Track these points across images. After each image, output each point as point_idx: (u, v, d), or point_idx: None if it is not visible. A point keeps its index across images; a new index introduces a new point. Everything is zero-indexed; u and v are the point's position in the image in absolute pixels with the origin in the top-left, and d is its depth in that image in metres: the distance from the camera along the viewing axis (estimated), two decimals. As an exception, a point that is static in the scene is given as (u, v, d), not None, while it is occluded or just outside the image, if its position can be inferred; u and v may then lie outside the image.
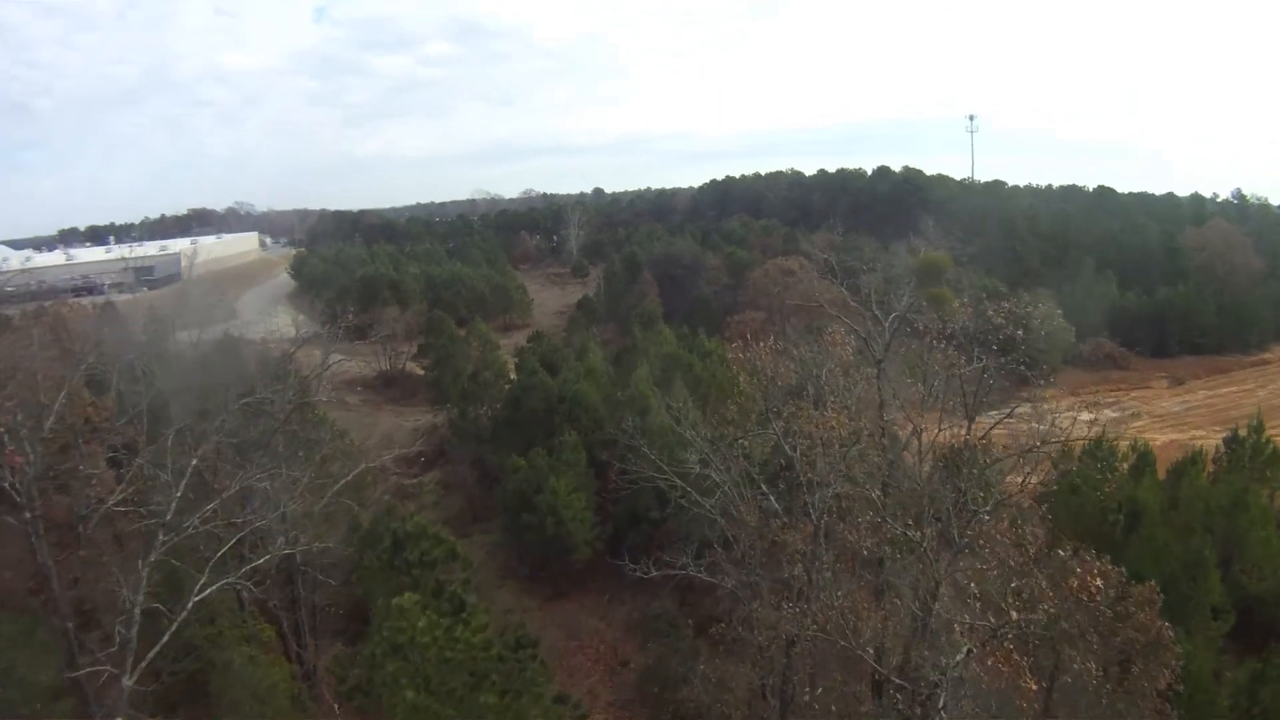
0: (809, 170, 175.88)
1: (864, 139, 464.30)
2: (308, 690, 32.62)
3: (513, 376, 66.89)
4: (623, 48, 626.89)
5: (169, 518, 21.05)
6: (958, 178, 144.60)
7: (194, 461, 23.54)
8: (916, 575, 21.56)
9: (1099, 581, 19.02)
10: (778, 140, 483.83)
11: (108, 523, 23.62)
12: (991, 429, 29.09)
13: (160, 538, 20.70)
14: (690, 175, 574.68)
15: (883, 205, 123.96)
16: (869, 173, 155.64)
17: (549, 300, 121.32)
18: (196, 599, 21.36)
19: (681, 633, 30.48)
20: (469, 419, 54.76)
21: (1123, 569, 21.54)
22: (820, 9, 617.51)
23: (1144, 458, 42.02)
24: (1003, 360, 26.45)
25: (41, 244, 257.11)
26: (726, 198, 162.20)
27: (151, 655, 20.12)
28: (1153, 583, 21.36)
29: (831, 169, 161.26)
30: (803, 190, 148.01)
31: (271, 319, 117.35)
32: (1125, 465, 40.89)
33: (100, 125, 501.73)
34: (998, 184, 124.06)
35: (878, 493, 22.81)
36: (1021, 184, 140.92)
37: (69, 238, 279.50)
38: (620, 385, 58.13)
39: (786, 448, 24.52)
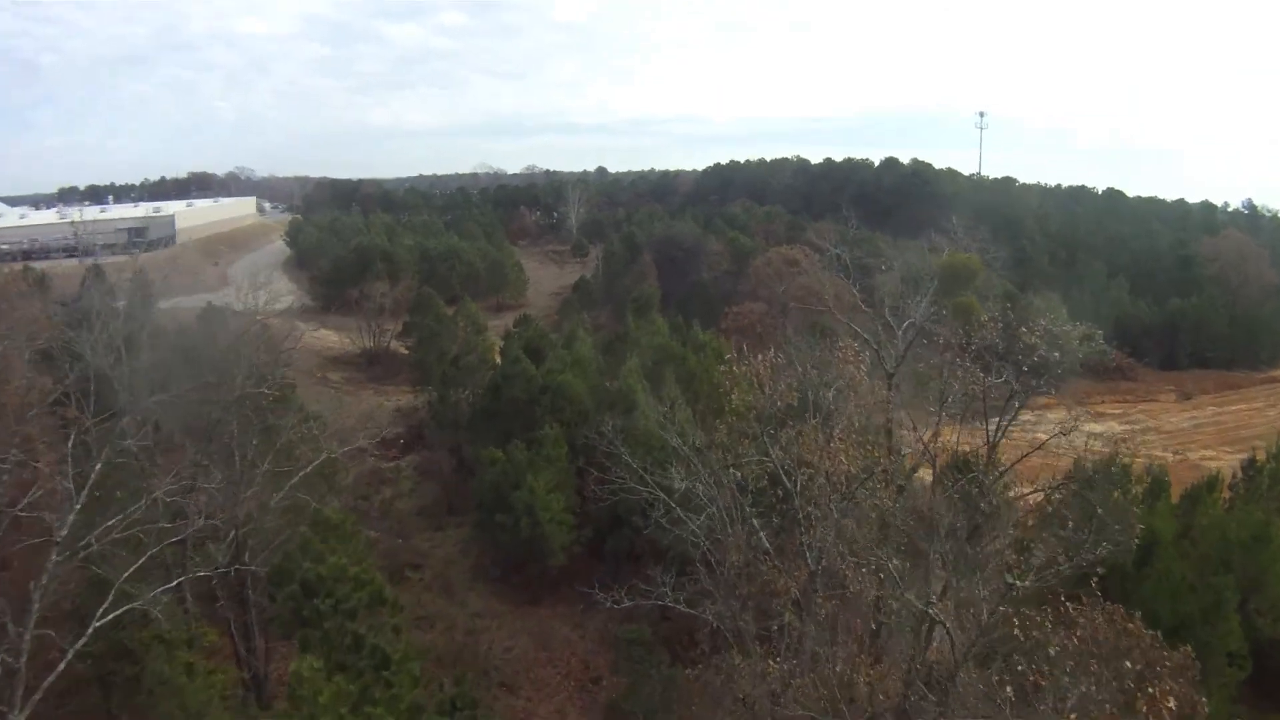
0: (815, 159, 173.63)
1: (870, 130, 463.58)
2: (256, 699, 30.28)
3: (498, 361, 64.80)
4: (636, 25, 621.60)
5: (64, 533, 18.45)
6: (965, 173, 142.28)
7: (98, 467, 20.83)
8: (917, 614, 19.24)
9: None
10: (784, 128, 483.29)
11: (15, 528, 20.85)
12: (997, 439, 26.49)
13: (54, 557, 18.17)
14: (695, 159, 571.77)
15: (889, 197, 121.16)
16: (876, 164, 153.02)
17: (546, 279, 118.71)
18: (111, 615, 18.89)
19: (657, 659, 28.10)
20: (449, 404, 52.34)
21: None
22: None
23: (1159, 483, 39.59)
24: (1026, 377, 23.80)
25: (40, 202, 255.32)
26: (730, 182, 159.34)
27: (48, 683, 17.70)
28: (1188, 649, 18.95)
29: (838, 158, 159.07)
30: (808, 178, 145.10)
31: (265, 287, 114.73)
32: (1139, 488, 38.46)
33: (108, 85, 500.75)
34: (1007, 181, 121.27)
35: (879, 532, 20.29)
36: (1029, 182, 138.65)
37: (68, 196, 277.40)
38: (609, 376, 55.86)
39: (785, 479, 21.91)
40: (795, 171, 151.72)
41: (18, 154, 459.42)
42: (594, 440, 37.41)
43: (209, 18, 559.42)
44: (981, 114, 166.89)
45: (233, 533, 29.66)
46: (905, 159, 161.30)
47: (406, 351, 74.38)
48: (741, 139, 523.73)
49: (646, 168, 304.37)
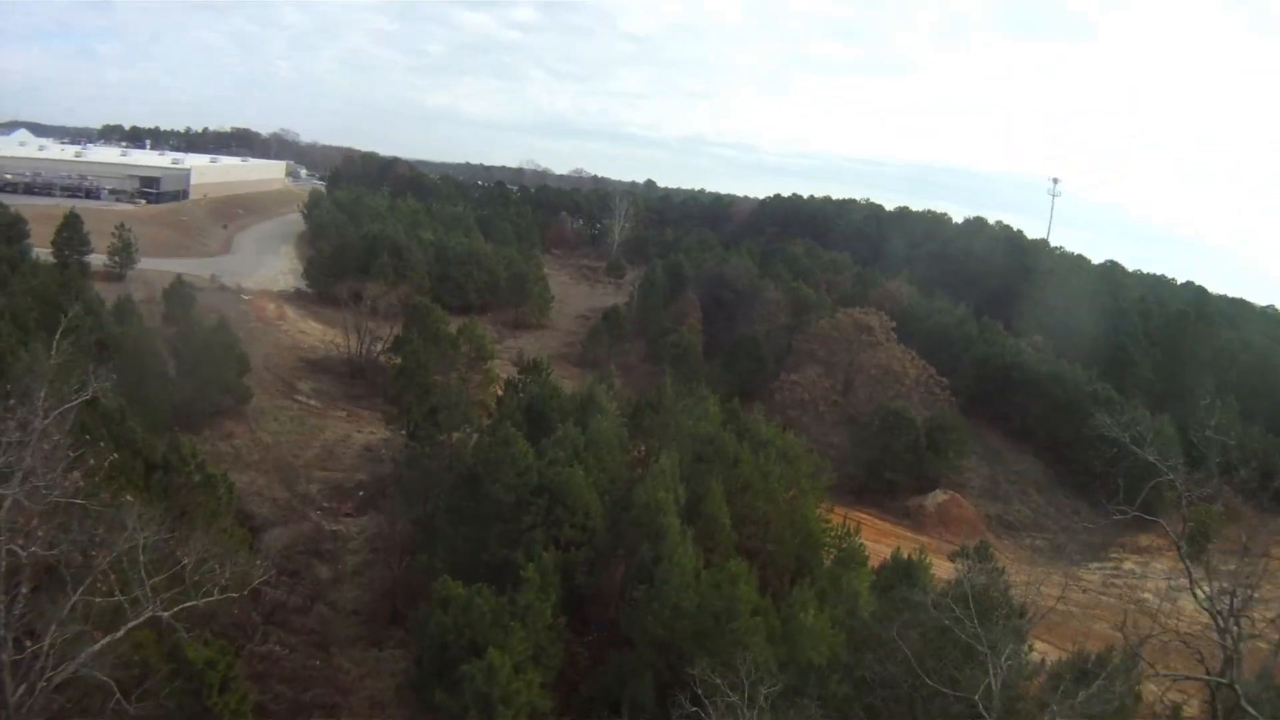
0: (867, 199, 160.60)
1: (927, 182, 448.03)
2: None
3: (496, 398, 52.42)
4: (710, 47, 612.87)
5: None
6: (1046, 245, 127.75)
7: None
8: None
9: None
10: (836, 166, 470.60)
11: None
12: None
13: None
14: (744, 185, 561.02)
15: (975, 263, 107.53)
16: (957, 220, 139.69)
17: (575, 298, 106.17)
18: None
19: None
20: (419, 467, 39.59)
21: None
22: (907, 46, 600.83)
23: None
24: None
25: (83, 136, 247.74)
26: (790, 218, 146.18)
27: None
28: None
29: (913, 207, 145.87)
30: (878, 225, 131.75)
31: (265, 262, 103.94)
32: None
33: (175, 26, 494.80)
34: (1113, 266, 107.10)
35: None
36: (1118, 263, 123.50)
37: (111, 134, 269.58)
38: (634, 459, 42.98)
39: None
40: (866, 216, 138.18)
41: (76, 84, 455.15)
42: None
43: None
44: (1055, 180, 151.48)
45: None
46: (958, 215, 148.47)
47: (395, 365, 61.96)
48: (793, 172, 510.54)
49: (696, 186, 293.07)
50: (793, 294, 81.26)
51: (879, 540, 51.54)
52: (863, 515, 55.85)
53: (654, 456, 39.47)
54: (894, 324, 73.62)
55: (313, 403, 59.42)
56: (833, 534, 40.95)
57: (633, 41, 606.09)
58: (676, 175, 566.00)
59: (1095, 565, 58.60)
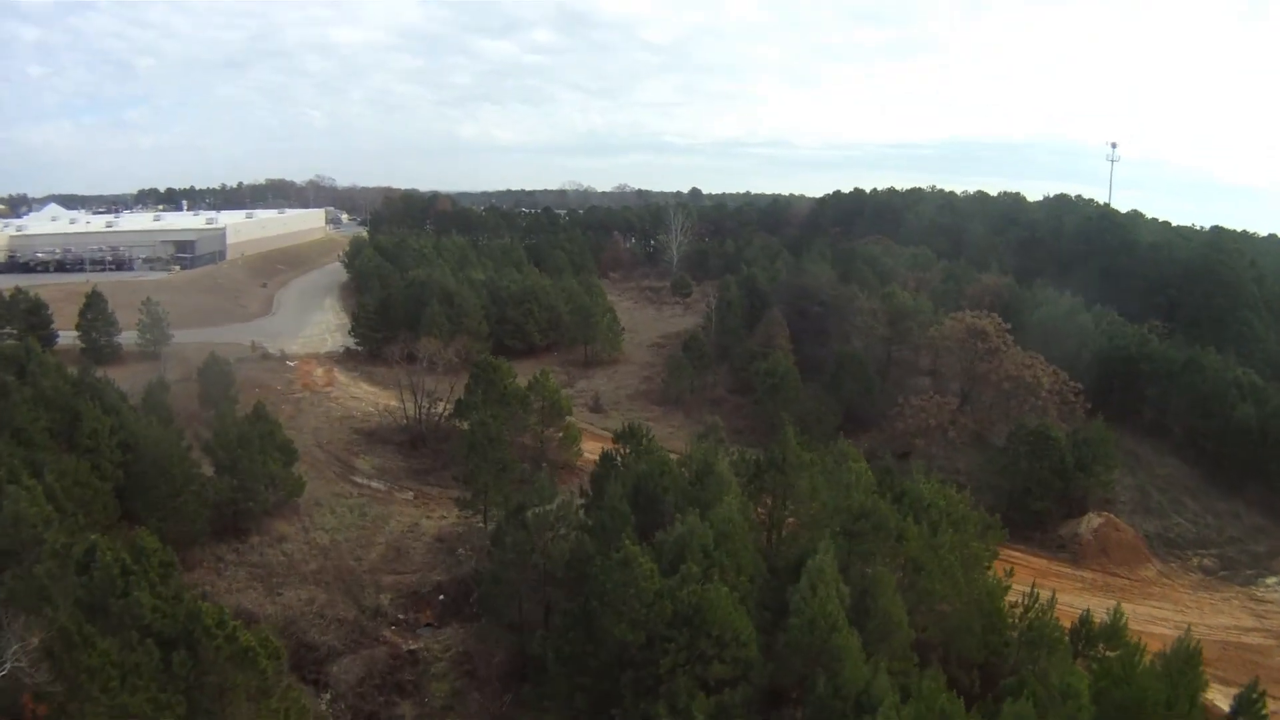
0: (903, 185, 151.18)
1: (967, 159, 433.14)
2: None
3: (580, 457, 44.29)
4: (730, 49, 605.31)
5: None
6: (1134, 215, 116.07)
7: None
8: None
9: None
10: (874, 154, 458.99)
11: None
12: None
13: None
14: (785, 184, 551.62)
15: (1069, 245, 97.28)
16: (1031, 200, 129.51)
17: (643, 324, 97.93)
18: None
19: None
20: (507, 582, 31.78)
21: None
22: (934, 22, 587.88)
23: None
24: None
25: (118, 204, 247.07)
26: (855, 213, 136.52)
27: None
28: None
29: (954, 187, 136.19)
30: (954, 215, 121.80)
31: (310, 320, 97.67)
32: None
33: (200, 87, 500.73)
34: (1220, 233, 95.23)
35: None
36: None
37: (146, 198, 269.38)
38: (762, 534, 34.82)
39: None
40: (939, 206, 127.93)
41: (109, 153, 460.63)
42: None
43: (303, 25, 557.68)
44: (1114, 145, 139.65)
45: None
46: (994, 191, 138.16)
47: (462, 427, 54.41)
48: (831, 164, 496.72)
49: (738, 190, 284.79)
50: (890, 303, 72.25)
51: (1040, 583, 43.14)
52: (1013, 553, 47.30)
53: (777, 524, 31.56)
54: (1008, 325, 64.41)
55: (373, 484, 52.01)
56: (1019, 610, 32.99)
57: (656, 52, 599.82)
58: (718, 180, 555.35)
59: (1274, 580, 49.80)
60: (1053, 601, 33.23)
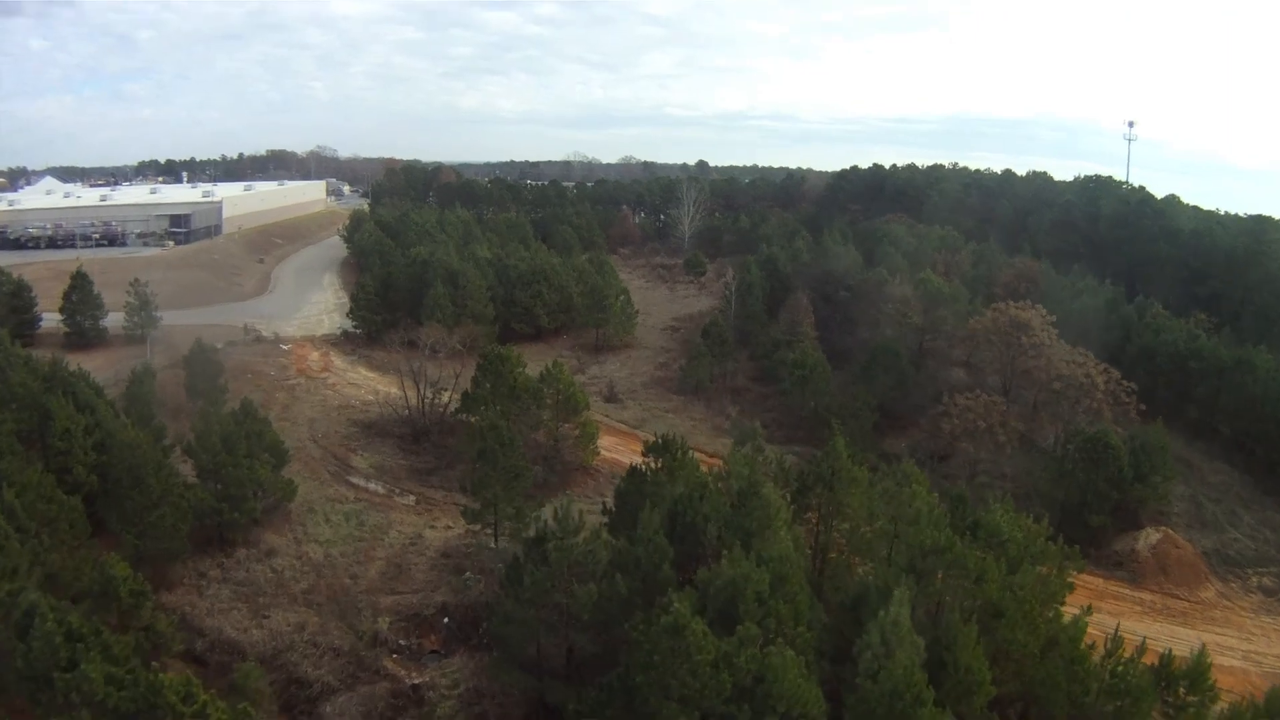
0: (916, 161, 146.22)
1: (967, 134, 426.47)
2: None
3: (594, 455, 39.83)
4: (733, 21, 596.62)
5: None
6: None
7: None
8: None
9: None
10: (876, 128, 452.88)
11: None
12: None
13: None
14: (789, 157, 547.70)
15: (1106, 229, 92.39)
16: (1060, 180, 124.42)
17: (656, 305, 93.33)
18: None
19: None
20: (525, 624, 27.69)
21: None
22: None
23: None
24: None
25: (117, 176, 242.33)
26: (875, 190, 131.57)
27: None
28: None
29: (956, 162, 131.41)
30: (981, 194, 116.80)
31: (307, 298, 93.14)
32: None
33: (201, 60, 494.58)
34: (1263, 220, 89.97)
35: None
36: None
37: (146, 170, 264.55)
38: (815, 579, 30.67)
39: None
40: (966, 184, 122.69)
41: (110, 124, 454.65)
42: None
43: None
44: (1131, 124, 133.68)
45: None
46: (1022, 170, 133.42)
47: (470, 420, 50.17)
48: (832, 138, 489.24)
49: (744, 163, 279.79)
50: (922, 286, 67.75)
51: (1098, 605, 39.33)
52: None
53: (823, 548, 27.52)
54: (1053, 318, 59.73)
55: (372, 486, 47.96)
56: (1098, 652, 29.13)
57: (658, 24, 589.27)
58: (722, 153, 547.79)
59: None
60: (1142, 649, 29.28)
